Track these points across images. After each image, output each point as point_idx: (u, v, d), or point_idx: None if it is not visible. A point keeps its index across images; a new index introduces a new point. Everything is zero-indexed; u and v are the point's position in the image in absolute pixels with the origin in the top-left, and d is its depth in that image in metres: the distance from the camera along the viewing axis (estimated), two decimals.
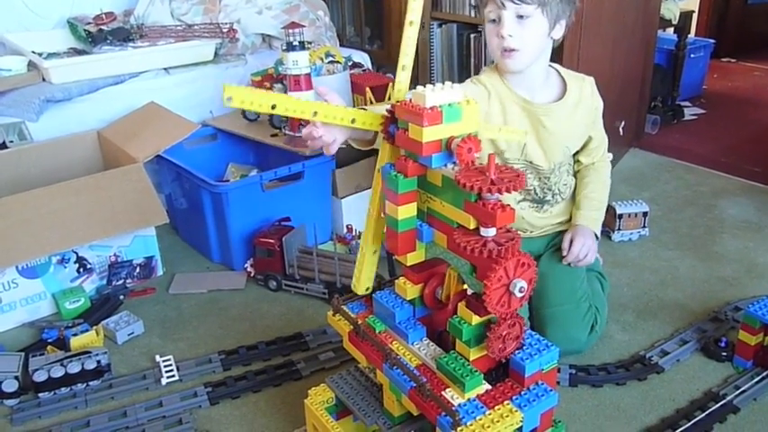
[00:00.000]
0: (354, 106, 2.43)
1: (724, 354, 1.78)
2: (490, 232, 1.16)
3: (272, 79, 2.46)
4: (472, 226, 1.18)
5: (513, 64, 1.63)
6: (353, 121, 1.24)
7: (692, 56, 3.95)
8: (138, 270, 2.19)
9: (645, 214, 2.42)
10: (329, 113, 1.19)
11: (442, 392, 1.20)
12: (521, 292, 1.15)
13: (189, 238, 2.46)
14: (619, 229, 2.40)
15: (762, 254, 2.34)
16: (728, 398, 1.63)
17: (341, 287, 2.04)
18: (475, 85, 1.73)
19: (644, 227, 2.44)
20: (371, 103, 2.45)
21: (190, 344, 1.88)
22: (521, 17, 1.57)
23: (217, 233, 2.26)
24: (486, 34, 1.66)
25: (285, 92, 2.38)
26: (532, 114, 1.72)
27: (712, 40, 4.26)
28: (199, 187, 2.18)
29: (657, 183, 2.94)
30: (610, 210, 2.38)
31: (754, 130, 3.60)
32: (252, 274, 2.17)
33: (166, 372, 1.73)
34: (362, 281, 1.40)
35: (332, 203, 2.44)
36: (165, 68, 2.67)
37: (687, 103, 3.99)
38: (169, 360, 1.77)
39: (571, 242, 1.80)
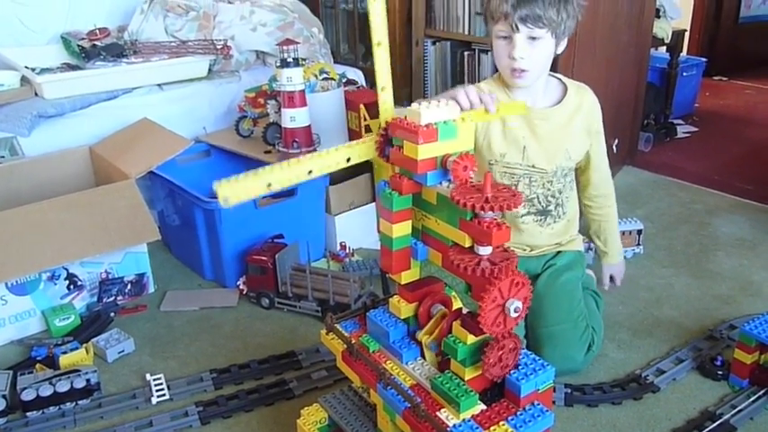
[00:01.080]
0: (348, 123, 2.45)
1: (720, 372, 1.77)
2: (486, 251, 1.15)
3: (266, 96, 2.46)
4: (467, 244, 1.17)
5: (522, 83, 1.67)
6: (348, 160, 1.22)
7: (684, 74, 3.97)
8: (129, 287, 2.16)
9: (639, 232, 2.41)
10: (323, 166, 1.18)
11: (437, 413, 1.18)
12: (516, 312, 1.14)
13: (181, 255, 2.44)
14: None
15: (756, 272, 2.33)
16: (725, 417, 1.62)
17: (334, 305, 2.03)
18: None
19: (638, 244, 2.43)
20: (365, 119, 2.44)
21: (181, 362, 1.85)
22: (532, 38, 1.60)
23: (209, 250, 2.24)
24: (495, 49, 1.67)
25: (279, 108, 2.38)
26: (531, 118, 1.73)
27: (704, 59, 4.28)
28: (191, 204, 2.16)
29: (651, 200, 2.94)
30: None
31: (746, 148, 3.61)
32: (244, 292, 2.15)
33: (157, 391, 1.71)
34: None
35: (325, 220, 2.43)
36: (158, 84, 2.65)
37: (680, 121, 4.01)
38: (160, 379, 1.74)
39: (611, 278, 2.04)
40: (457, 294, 1.25)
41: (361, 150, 1.25)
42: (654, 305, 2.14)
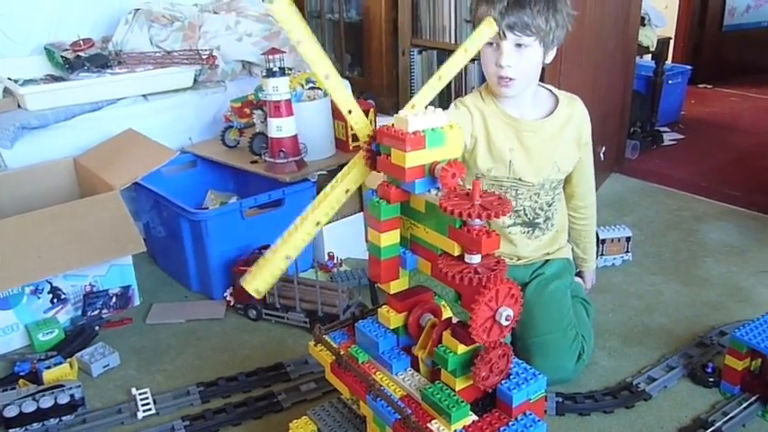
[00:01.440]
0: (335, 132, 2.43)
1: (711, 379, 1.76)
2: (475, 259, 1.14)
3: (252, 105, 2.44)
4: (457, 253, 1.15)
5: (509, 92, 1.66)
6: (347, 191, 1.24)
7: (669, 82, 3.98)
8: (114, 300, 2.14)
9: (628, 239, 2.41)
10: (328, 210, 1.22)
11: (428, 424, 1.17)
12: (507, 320, 1.13)
13: (167, 267, 2.41)
14: (602, 255, 2.39)
15: (745, 278, 2.33)
16: (717, 424, 1.60)
17: (322, 316, 2.00)
18: (457, 109, 1.74)
19: (627, 252, 2.43)
20: (352, 129, 2.42)
21: (167, 376, 1.82)
22: (519, 46, 1.60)
23: (195, 262, 2.21)
24: (483, 57, 1.66)
25: (265, 118, 2.36)
26: (518, 131, 1.72)
27: (689, 67, 4.30)
28: (177, 215, 2.14)
29: (639, 207, 2.94)
30: None
31: (732, 155, 3.62)
32: (231, 304, 2.12)
33: (143, 405, 1.67)
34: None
35: None
36: (143, 95, 2.63)
37: (666, 129, 4.02)
38: (146, 393, 1.71)
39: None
40: (447, 304, 1.24)
41: (355, 176, 1.25)
42: (644, 312, 2.13)
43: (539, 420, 1.20)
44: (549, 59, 1.69)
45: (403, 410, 1.18)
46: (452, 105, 1.77)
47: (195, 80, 2.79)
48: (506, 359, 1.20)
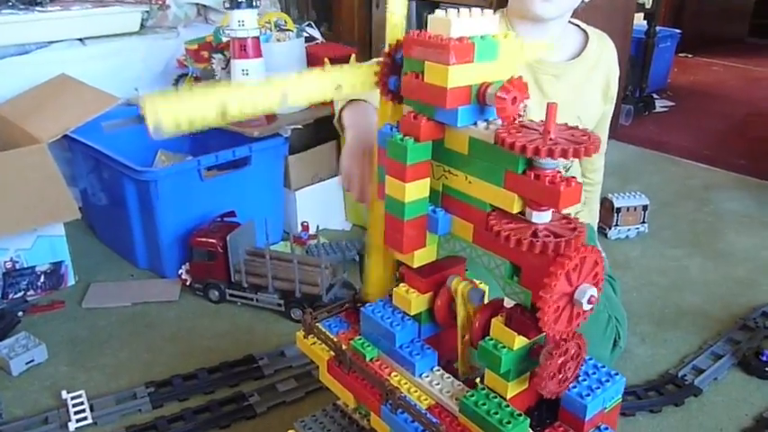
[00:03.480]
0: None
1: (767, 369, 1.52)
2: (544, 217, 0.81)
3: (211, 48, 2.11)
4: (516, 209, 0.83)
5: (550, 10, 1.38)
6: (339, 87, 0.90)
7: (660, 46, 3.74)
8: (42, 279, 1.86)
9: (645, 208, 2.15)
10: (305, 92, 0.87)
11: None
12: (589, 303, 0.82)
13: (108, 240, 2.15)
14: (616, 225, 2.11)
15: None
16: None
17: (300, 297, 1.70)
18: None
19: (643, 222, 2.16)
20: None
21: (108, 374, 1.56)
22: None
23: (143, 232, 1.95)
24: None
25: (227, 63, 2.00)
26: (538, 74, 1.43)
27: (678, 31, 4.08)
28: (120, 175, 1.83)
29: (643, 175, 2.72)
30: (606, 203, 2.11)
31: (728, 124, 3.50)
32: (188, 283, 1.88)
33: (76, 413, 1.40)
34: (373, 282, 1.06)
35: (284, 196, 2.06)
36: (79, 39, 2.36)
37: (655, 96, 3.80)
38: (80, 397, 1.44)
39: None
40: (497, 281, 0.91)
41: (357, 77, 0.93)
42: (672, 291, 1.89)
43: None
44: None
45: (437, 427, 0.86)
46: None
47: (142, 24, 2.53)
48: (579, 356, 0.88)
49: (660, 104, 3.73)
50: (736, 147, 3.07)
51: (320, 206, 2.13)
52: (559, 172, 0.82)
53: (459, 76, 0.82)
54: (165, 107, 0.73)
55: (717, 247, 2.14)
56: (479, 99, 0.85)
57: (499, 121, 0.86)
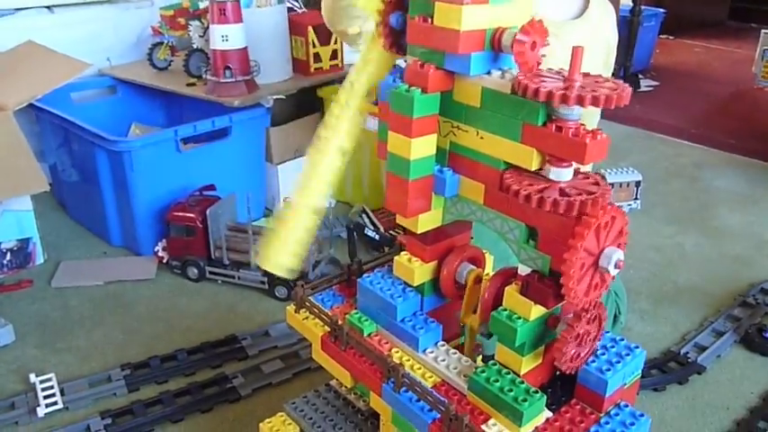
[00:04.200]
0: (292, 51, 2.00)
1: None
2: (565, 174, 0.74)
3: (187, 14, 2.02)
4: (535, 165, 0.75)
5: None
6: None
7: (644, 25, 3.69)
8: (8, 257, 1.68)
9: (637, 184, 2.09)
10: (351, 128, 0.90)
11: (483, 426, 0.78)
12: (616, 267, 0.74)
13: (80, 216, 2.05)
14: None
15: (767, 229, 2.07)
16: None
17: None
18: None
19: (636, 198, 2.11)
20: (314, 46, 1.98)
21: (80, 356, 1.47)
22: None
23: (117, 208, 1.86)
24: None
25: (205, 30, 1.90)
26: None
27: (662, 10, 4.03)
28: (92, 147, 1.74)
29: (632, 153, 2.67)
30: None
31: (713, 104, 3.47)
32: (165, 260, 1.80)
33: (46, 397, 1.31)
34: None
35: (266, 170, 1.96)
36: (47, 6, 2.24)
37: (639, 75, 3.75)
38: (50, 380, 1.35)
39: None
40: (511, 246, 0.83)
41: (377, 68, 0.89)
42: (668, 268, 1.84)
43: (641, 415, 0.82)
44: None
45: (446, 406, 0.78)
46: None
47: None
48: (599, 326, 0.81)
49: (645, 84, 3.69)
50: (723, 126, 3.04)
51: None
52: (582, 124, 0.75)
53: (473, 18, 0.74)
54: (275, 252, 0.88)
55: (710, 225, 2.10)
56: (494, 45, 0.77)
57: (514, 71, 0.79)
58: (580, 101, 0.69)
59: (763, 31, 3.92)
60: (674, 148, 2.74)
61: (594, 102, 0.69)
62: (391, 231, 1.81)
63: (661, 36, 4.81)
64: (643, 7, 3.87)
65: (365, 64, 0.89)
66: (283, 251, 0.89)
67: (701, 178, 2.46)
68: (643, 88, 3.61)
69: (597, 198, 0.74)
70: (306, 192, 0.91)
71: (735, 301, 1.67)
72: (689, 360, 1.44)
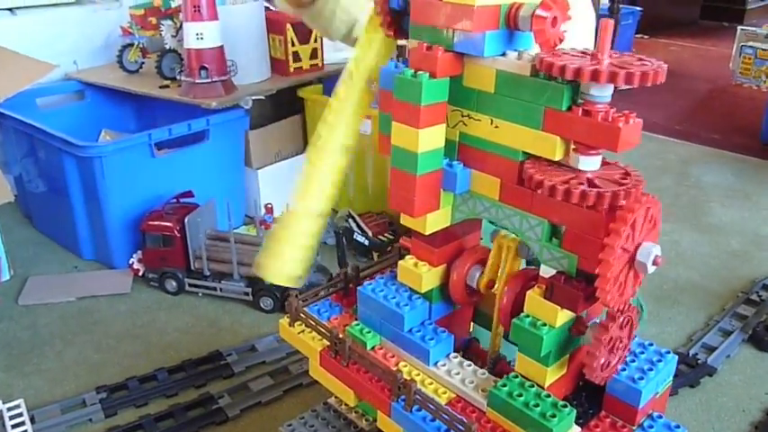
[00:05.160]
0: (270, 50, 1.93)
1: None
2: (592, 163, 0.67)
3: (159, 13, 1.94)
4: (558, 155, 0.68)
5: None
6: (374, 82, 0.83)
7: (622, 23, 3.68)
8: None
9: None
10: (354, 123, 0.84)
11: None
12: (654, 264, 0.67)
13: (48, 229, 1.97)
14: None
15: (762, 224, 2.08)
16: None
17: (270, 283, 1.48)
18: None
19: None
20: (293, 44, 1.90)
21: (51, 379, 1.39)
22: None
23: (88, 218, 1.78)
24: None
25: (178, 30, 1.82)
26: None
27: (639, 8, 4.02)
28: (60, 153, 1.67)
29: None
30: None
31: (695, 100, 3.49)
32: (141, 273, 1.73)
33: (14, 426, 1.22)
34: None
35: (245, 176, 1.87)
36: (9, 8, 2.16)
37: None
38: (18, 407, 1.25)
39: None
40: (532, 246, 0.75)
41: (377, 57, 0.82)
42: (667, 267, 1.78)
43: (676, 426, 0.75)
44: None
45: (467, 426, 0.70)
46: None
47: None
48: (630, 331, 0.74)
49: None
50: (706, 122, 3.06)
51: (284, 186, 1.95)
52: (610, 108, 0.68)
53: None
54: (277, 261, 0.85)
55: (705, 221, 2.06)
56: (509, 23, 0.70)
57: (532, 51, 0.71)
58: (612, 78, 0.62)
59: (739, 27, 3.95)
60: (661, 145, 2.72)
61: (629, 79, 0.62)
62: (380, 236, 1.73)
63: (637, 35, 4.84)
64: (621, 6, 3.87)
65: (364, 51, 0.82)
66: (287, 259, 0.82)
67: (691, 174, 2.43)
68: (623, 86, 3.58)
69: (630, 189, 0.67)
70: (307, 195, 0.84)
71: (738, 299, 1.63)
72: (699, 362, 1.38)
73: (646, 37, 5.00)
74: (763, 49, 3.60)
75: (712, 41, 4.95)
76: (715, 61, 4.36)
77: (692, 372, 1.36)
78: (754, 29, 3.81)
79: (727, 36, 4.82)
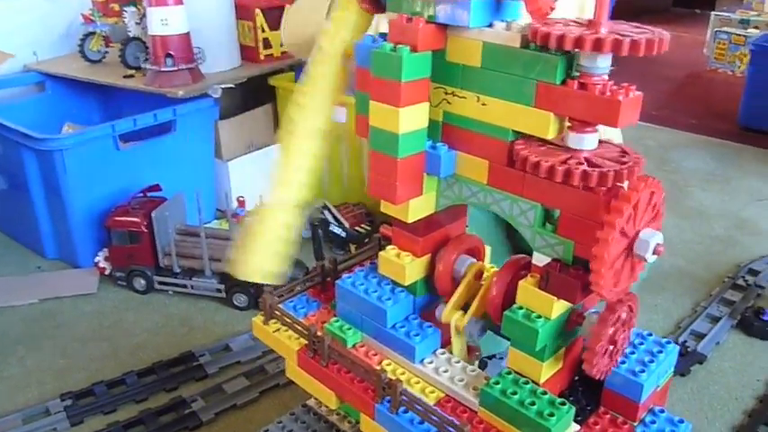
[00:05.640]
0: (239, 36, 1.87)
1: None
2: (589, 142, 0.62)
3: (122, 0, 1.78)
4: (552, 133, 0.63)
5: None
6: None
7: None
8: None
9: None
10: (325, 103, 0.78)
11: None
12: (655, 253, 0.62)
13: (8, 228, 1.92)
14: None
15: (743, 208, 2.06)
16: None
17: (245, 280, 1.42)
18: None
19: None
20: (263, 30, 1.83)
21: (12, 386, 1.33)
22: None
23: (50, 216, 1.72)
24: None
25: (141, 17, 1.75)
26: None
27: None
28: (18, 147, 1.61)
29: None
30: None
31: (672, 85, 3.49)
32: (107, 272, 1.67)
33: None
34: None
35: (215, 168, 1.81)
36: None
37: None
38: None
39: None
40: (523, 232, 0.70)
41: (351, 31, 0.77)
42: None
43: (680, 420, 0.71)
44: None
45: (459, 428, 0.65)
46: None
47: None
48: (631, 322, 0.69)
49: None
50: (683, 107, 3.05)
51: (256, 178, 1.88)
52: (608, 82, 0.63)
53: None
54: (253, 257, 0.81)
55: (687, 206, 2.04)
56: None
57: (521, 22, 0.66)
58: (617, 47, 0.57)
59: (713, 13, 3.95)
60: (639, 131, 2.69)
61: (634, 47, 0.58)
62: (358, 228, 1.68)
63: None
64: None
65: (337, 26, 0.76)
66: (264, 254, 0.78)
67: (671, 159, 2.41)
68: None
69: (633, 168, 0.62)
70: (282, 184, 0.79)
71: (725, 284, 1.60)
72: (688, 349, 1.35)
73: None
74: (738, 35, 3.60)
75: (684, 28, 4.95)
76: (688, 47, 4.36)
77: (682, 359, 1.32)
78: (728, 14, 3.81)
79: (700, 23, 4.84)
